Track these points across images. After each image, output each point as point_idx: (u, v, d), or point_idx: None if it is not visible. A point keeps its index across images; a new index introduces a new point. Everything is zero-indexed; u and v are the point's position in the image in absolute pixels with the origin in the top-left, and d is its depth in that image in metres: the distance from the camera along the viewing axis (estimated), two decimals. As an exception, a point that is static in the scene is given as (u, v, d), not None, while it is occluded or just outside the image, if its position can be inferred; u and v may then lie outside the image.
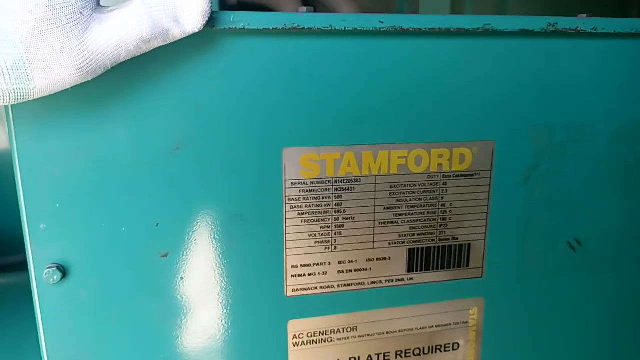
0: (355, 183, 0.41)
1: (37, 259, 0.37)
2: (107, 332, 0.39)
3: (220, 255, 0.40)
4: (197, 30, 0.33)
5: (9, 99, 0.30)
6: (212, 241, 0.39)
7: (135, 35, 0.31)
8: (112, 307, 0.39)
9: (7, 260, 0.73)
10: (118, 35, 0.31)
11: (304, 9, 0.38)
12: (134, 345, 0.40)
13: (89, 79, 0.32)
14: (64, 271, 0.37)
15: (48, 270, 0.37)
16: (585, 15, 0.41)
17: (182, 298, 0.40)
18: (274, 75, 0.38)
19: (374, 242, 0.42)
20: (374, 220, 0.42)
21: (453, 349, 0.46)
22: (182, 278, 0.40)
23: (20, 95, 0.30)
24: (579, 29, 0.41)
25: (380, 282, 0.43)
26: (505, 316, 0.47)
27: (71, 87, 0.32)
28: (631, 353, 0.51)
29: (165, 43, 0.33)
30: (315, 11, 0.38)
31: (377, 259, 0.43)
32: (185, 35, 0.33)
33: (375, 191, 0.41)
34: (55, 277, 0.37)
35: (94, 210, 0.37)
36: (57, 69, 0.30)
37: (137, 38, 0.32)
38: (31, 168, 0.36)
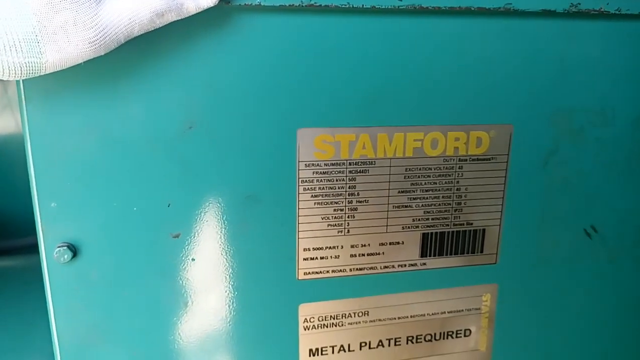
0: (370, 165, 0.40)
1: (47, 238, 0.37)
2: (118, 311, 0.39)
3: (232, 237, 0.39)
4: (211, 5, 0.33)
5: (21, 73, 0.29)
6: (224, 222, 0.39)
7: (149, 8, 0.31)
8: (122, 286, 0.38)
9: (16, 242, 0.74)
10: (132, 9, 0.31)
11: (321, -14, 0.37)
12: (144, 325, 0.40)
13: (102, 54, 0.31)
14: (74, 250, 0.37)
15: (59, 249, 0.36)
16: (608, -4, 0.41)
17: (193, 279, 0.40)
18: (289, 54, 0.37)
19: (387, 226, 0.42)
20: (388, 204, 0.41)
21: (465, 335, 0.46)
22: (193, 259, 0.39)
23: (32, 70, 0.30)
24: (602, 9, 0.40)
25: (393, 266, 0.43)
26: (519, 303, 0.46)
27: (84, 62, 0.31)
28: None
29: (180, 17, 0.33)
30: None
31: (390, 243, 0.42)
32: (199, 10, 0.33)
33: (389, 174, 0.41)
34: (65, 256, 0.36)
35: (105, 189, 0.37)
36: (70, 42, 0.30)
37: (151, 11, 0.31)
38: (42, 145, 0.35)
